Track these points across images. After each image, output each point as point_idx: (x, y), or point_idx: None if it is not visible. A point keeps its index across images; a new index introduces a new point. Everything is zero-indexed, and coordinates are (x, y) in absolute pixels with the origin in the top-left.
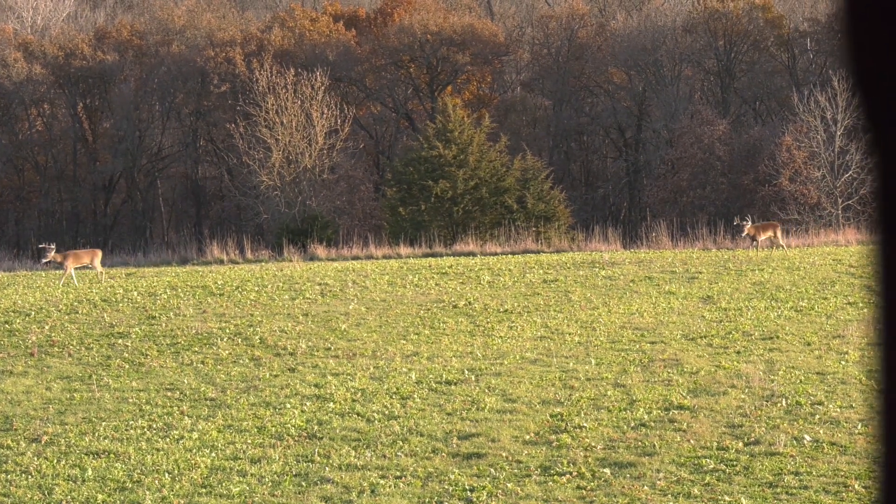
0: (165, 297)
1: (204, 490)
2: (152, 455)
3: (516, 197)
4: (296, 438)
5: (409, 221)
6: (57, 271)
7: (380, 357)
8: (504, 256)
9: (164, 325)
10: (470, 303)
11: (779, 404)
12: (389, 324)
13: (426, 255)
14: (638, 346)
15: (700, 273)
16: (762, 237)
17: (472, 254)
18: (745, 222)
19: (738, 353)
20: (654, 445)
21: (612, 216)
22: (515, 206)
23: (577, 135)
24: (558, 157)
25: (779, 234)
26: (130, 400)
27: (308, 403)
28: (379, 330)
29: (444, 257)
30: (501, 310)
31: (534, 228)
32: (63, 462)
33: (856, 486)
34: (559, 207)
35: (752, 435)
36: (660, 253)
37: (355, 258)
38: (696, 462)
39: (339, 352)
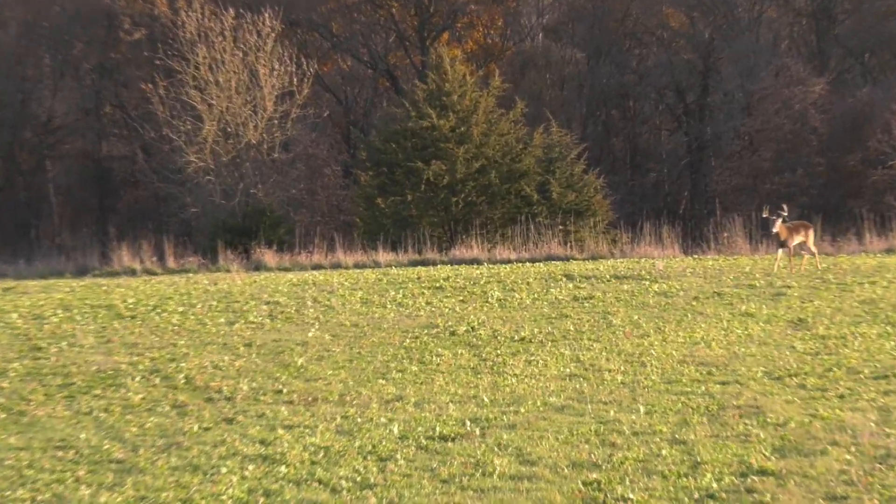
0: (56, 320)
1: None
2: None
3: (537, 184)
4: None
5: (390, 217)
6: None
7: (350, 403)
8: (520, 265)
9: (53, 358)
10: (474, 328)
11: None
12: (363, 357)
13: (414, 264)
14: (703, 387)
15: (789, 287)
16: (794, 241)
17: (476, 261)
18: (776, 217)
19: (842, 397)
20: None
21: (669, 210)
22: (536, 196)
23: (621, 99)
24: (594, 130)
25: (811, 238)
26: (7, 462)
27: (251, 467)
28: (349, 366)
29: (439, 266)
30: (517, 338)
31: (561, 227)
32: None
33: None
34: (595, 198)
35: None
36: (733, 260)
37: (317, 267)
38: None
39: (295, 396)
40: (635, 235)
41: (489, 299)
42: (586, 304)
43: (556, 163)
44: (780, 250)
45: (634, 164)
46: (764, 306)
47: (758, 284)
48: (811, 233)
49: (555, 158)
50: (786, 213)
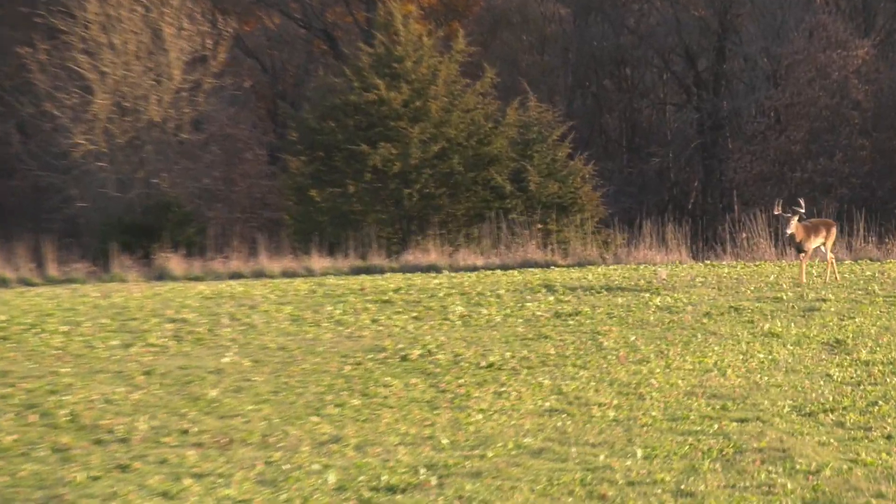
0: None
1: None
2: None
3: (511, 172)
4: None
5: (327, 214)
6: None
7: (274, 445)
8: (489, 273)
9: None
10: (430, 352)
11: None
12: (292, 388)
13: (356, 271)
14: (716, 425)
15: (824, 301)
16: (813, 243)
17: (434, 269)
18: (791, 213)
19: (889, 437)
20: None
21: (675, 204)
22: (509, 187)
23: (616, 66)
24: (583, 105)
25: (831, 240)
26: None
27: None
28: (274, 399)
29: (388, 274)
30: (484, 364)
31: (540, 226)
32: None
33: None
34: (583, 190)
35: None
36: (755, 267)
37: (235, 276)
38: None
39: (206, 436)
40: (633, 236)
41: (450, 316)
42: (571, 322)
43: (535, 146)
44: (801, 255)
45: (632, 147)
46: (793, 324)
47: (785, 297)
48: (833, 234)
49: (533, 140)
50: (802, 210)
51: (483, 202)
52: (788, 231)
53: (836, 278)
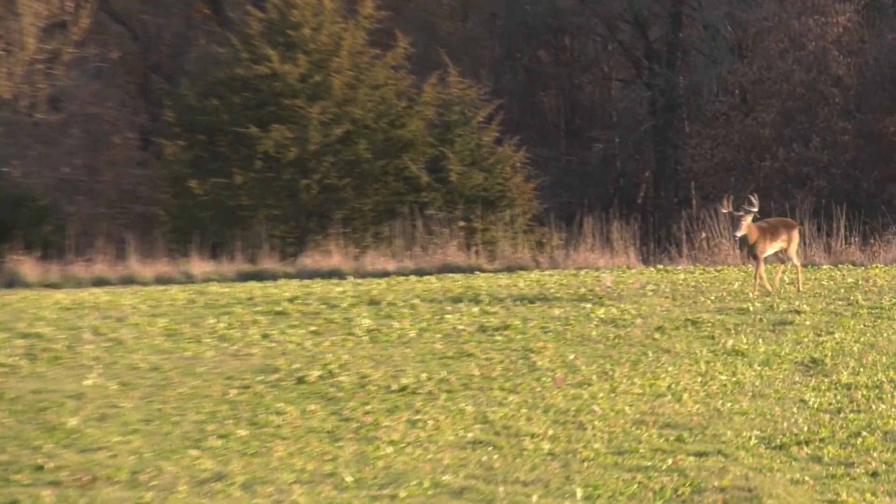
0: None
1: None
2: None
3: (428, 160)
4: None
5: (209, 209)
6: None
7: (146, 484)
8: (402, 279)
9: None
10: (332, 373)
11: None
12: (167, 417)
13: (244, 277)
14: (670, 460)
15: (798, 313)
16: (770, 247)
17: (337, 274)
18: (742, 212)
19: (874, 475)
20: None
21: (622, 198)
22: (426, 178)
23: (553, 35)
24: (513, 80)
25: (794, 244)
26: None
27: None
28: (145, 429)
29: (282, 281)
30: (395, 388)
31: (463, 223)
32: None
33: None
34: (514, 181)
35: None
36: (716, 272)
37: (100, 282)
38: None
39: (64, 473)
40: (572, 236)
41: (355, 330)
42: (499, 338)
43: (456, 129)
44: (753, 261)
45: (572, 130)
46: (761, 341)
47: (751, 308)
48: (795, 235)
49: (454, 122)
50: (755, 209)
51: (395, 195)
52: (737, 233)
53: (797, 286)
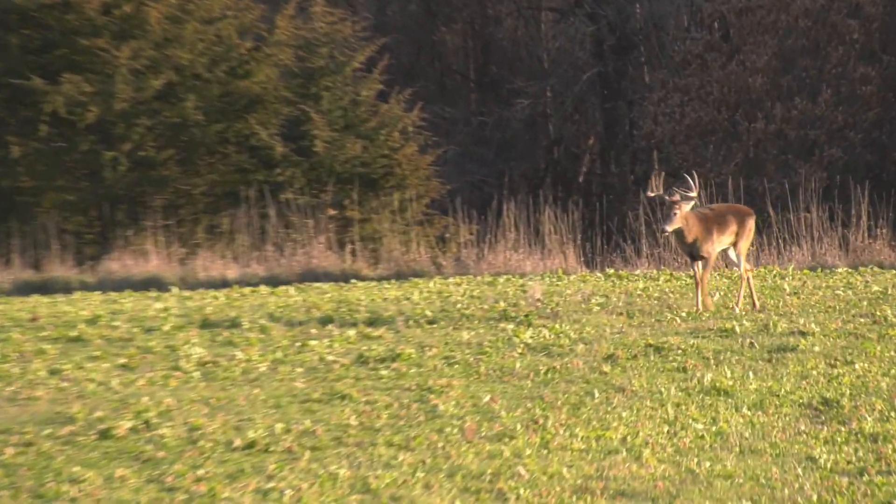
0: None
1: None
2: None
3: (283, 123)
4: None
5: None
6: None
7: None
8: (247, 292)
9: None
10: (149, 424)
11: None
12: None
13: (26, 290)
14: None
15: (804, 335)
16: (714, 244)
17: (156, 285)
18: (675, 199)
19: None
20: None
21: (558, 176)
22: (280, 148)
23: None
24: (403, 12)
25: (745, 240)
26: None
27: None
28: None
29: (78, 294)
30: (239, 444)
31: (333, 212)
32: None
33: None
34: (405, 152)
35: None
36: (688, 279)
37: None
38: None
39: None
40: (487, 229)
41: (182, 363)
42: (385, 373)
43: (324, 79)
44: (697, 263)
45: (486, 81)
46: (752, 374)
47: (738, 329)
48: (750, 229)
49: (320, 70)
50: (694, 192)
51: (238, 173)
52: (667, 227)
53: (753, 305)
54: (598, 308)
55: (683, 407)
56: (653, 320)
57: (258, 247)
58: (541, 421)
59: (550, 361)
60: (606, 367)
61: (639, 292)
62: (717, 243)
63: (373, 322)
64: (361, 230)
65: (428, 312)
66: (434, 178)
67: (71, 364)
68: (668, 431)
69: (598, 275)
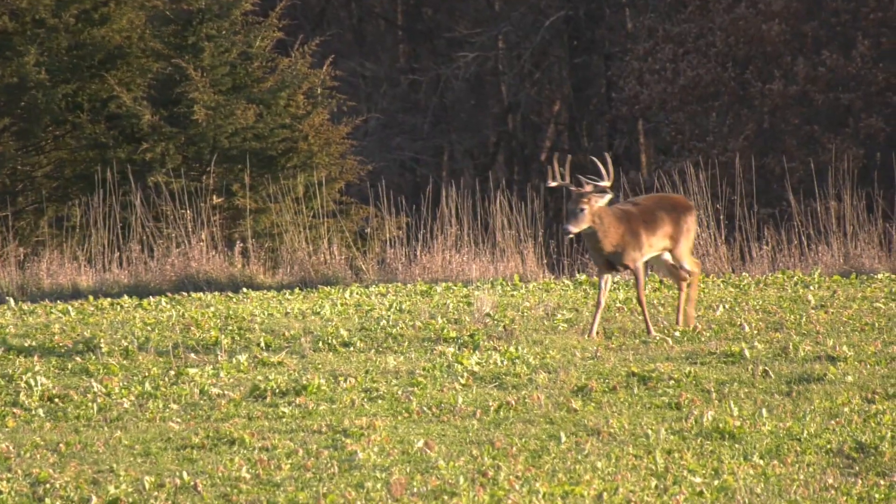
0: None
1: None
2: None
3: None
4: None
5: None
6: None
7: None
8: (106, 304)
9: None
10: None
11: None
12: None
13: None
14: None
15: (834, 360)
16: (643, 250)
17: None
18: (595, 191)
19: None
20: None
21: (513, 152)
22: (149, 116)
23: None
24: None
25: (684, 241)
26: None
27: None
28: None
29: None
30: (98, 503)
31: (219, 200)
32: None
33: None
34: (312, 122)
35: None
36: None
37: None
38: None
39: None
40: (421, 222)
41: (22, 398)
42: (286, 410)
43: (205, 26)
44: (607, 278)
45: (420, 28)
46: (765, 411)
47: (749, 353)
48: (686, 228)
49: (201, 14)
50: (607, 183)
51: (93, 150)
52: (571, 228)
53: (689, 320)
54: (566, 326)
55: (676, 455)
56: (637, 342)
57: (120, 246)
58: (490, 473)
59: (503, 395)
60: (576, 403)
61: (618, 305)
62: (647, 249)
63: (270, 344)
64: (255, 224)
65: (343, 332)
66: (351, 156)
67: None
68: (656, 487)
69: (566, 282)
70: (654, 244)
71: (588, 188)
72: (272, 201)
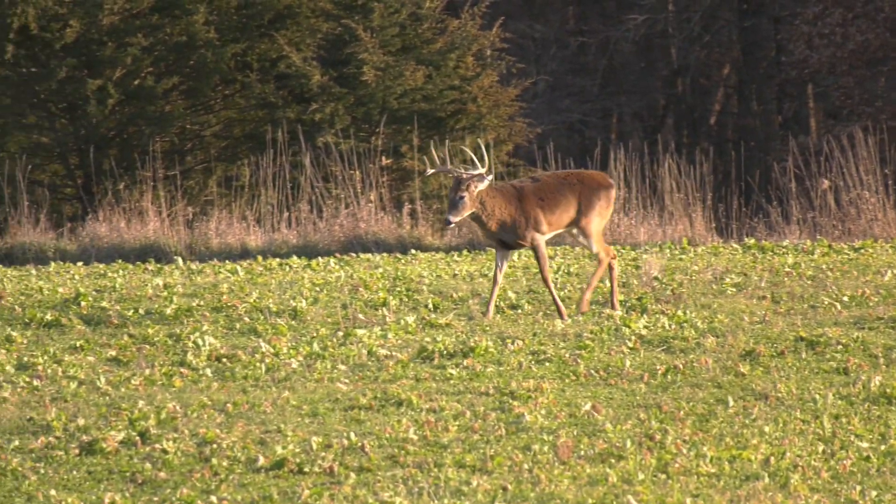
0: None
1: None
2: None
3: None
4: None
5: None
6: None
7: None
8: (275, 265)
9: None
10: (145, 436)
11: None
12: None
13: None
14: None
15: None
16: (544, 227)
17: (155, 254)
18: (473, 178)
19: None
20: None
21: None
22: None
23: None
24: None
25: (594, 217)
26: None
27: None
28: None
29: (53, 267)
30: (263, 463)
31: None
32: None
33: None
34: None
35: None
36: (852, 254)
37: None
38: None
39: None
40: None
41: (189, 357)
42: (454, 372)
43: None
44: (506, 256)
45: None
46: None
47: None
48: (599, 206)
49: None
50: (483, 169)
51: (262, 109)
52: (452, 218)
53: (582, 304)
54: (734, 290)
55: (844, 419)
56: (805, 306)
57: (288, 206)
58: (657, 437)
59: (671, 359)
60: (744, 368)
61: (787, 269)
62: (546, 227)
63: (438, 306)
64: (424, 186)
65: (511, 294)
66: (519, 118)
67: (45, 357)
68: (823, 451)
69: (734, 246)
70: (555, 222)
71: (466, 175)
72: (443, 163)
